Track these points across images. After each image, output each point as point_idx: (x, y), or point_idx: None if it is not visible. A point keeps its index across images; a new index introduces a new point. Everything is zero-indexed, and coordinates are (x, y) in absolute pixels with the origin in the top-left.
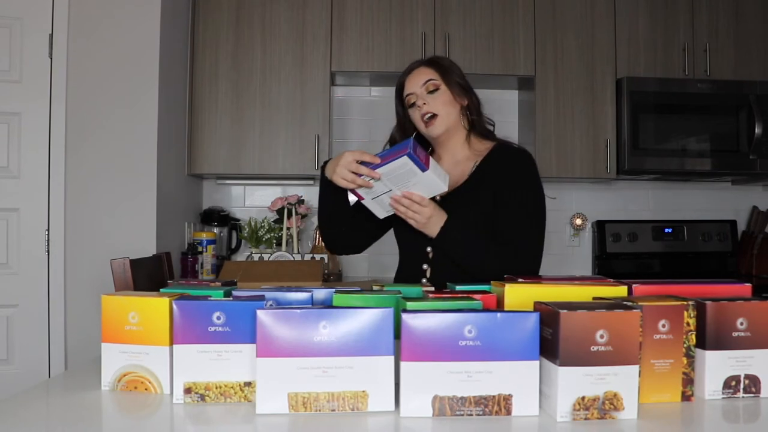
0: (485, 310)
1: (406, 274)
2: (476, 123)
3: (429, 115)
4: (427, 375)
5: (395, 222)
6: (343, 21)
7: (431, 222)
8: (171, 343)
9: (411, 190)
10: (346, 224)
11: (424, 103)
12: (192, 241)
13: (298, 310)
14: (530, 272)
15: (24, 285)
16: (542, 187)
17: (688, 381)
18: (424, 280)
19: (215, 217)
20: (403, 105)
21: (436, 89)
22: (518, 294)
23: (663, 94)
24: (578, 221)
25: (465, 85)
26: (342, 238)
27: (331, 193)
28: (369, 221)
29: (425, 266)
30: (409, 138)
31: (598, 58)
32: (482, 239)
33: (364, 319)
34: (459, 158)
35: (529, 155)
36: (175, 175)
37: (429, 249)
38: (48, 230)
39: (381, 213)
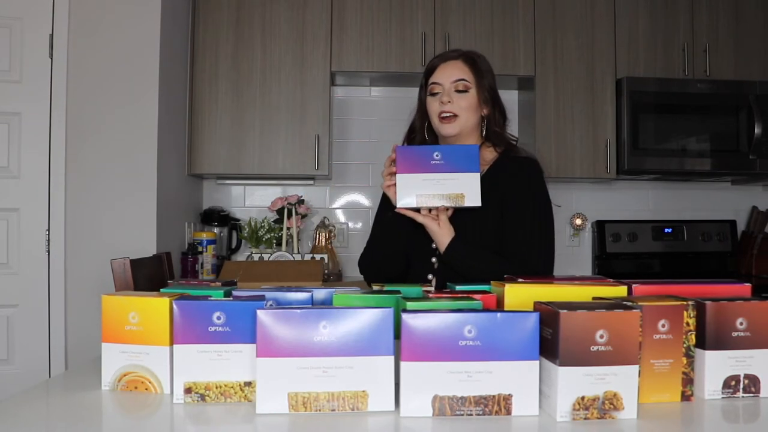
0: (485, 310)
1: (412, 280)
2: (492, 135)
3: (450, 114)
4: (427, 375)
5: (405, 230)
6: (343, 21)
7: (439, 234)
8: (171, 343)
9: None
10: (392, 258)
11: (449, 101)
12: (192, 241)
13: (298, 310)
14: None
15: (24, 285)
16: (548, 194)
17: (688, 381)
18: None
19: (215, 217)
20: (427, 89)
21: (466, 90)
22: (518, 294)
23: (663, 94)
24: (578, 221)
25: (493, 96)
26: (387, 271)
27: (390, 233)
28: (402, 248)
29: (430, 276)
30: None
31: (598, 58)
32: (487, 254)
33: (364, 319)
34: None
35: (534, 163)
36: (175, 175)
37: (434, 260)
38: (48, 230)
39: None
